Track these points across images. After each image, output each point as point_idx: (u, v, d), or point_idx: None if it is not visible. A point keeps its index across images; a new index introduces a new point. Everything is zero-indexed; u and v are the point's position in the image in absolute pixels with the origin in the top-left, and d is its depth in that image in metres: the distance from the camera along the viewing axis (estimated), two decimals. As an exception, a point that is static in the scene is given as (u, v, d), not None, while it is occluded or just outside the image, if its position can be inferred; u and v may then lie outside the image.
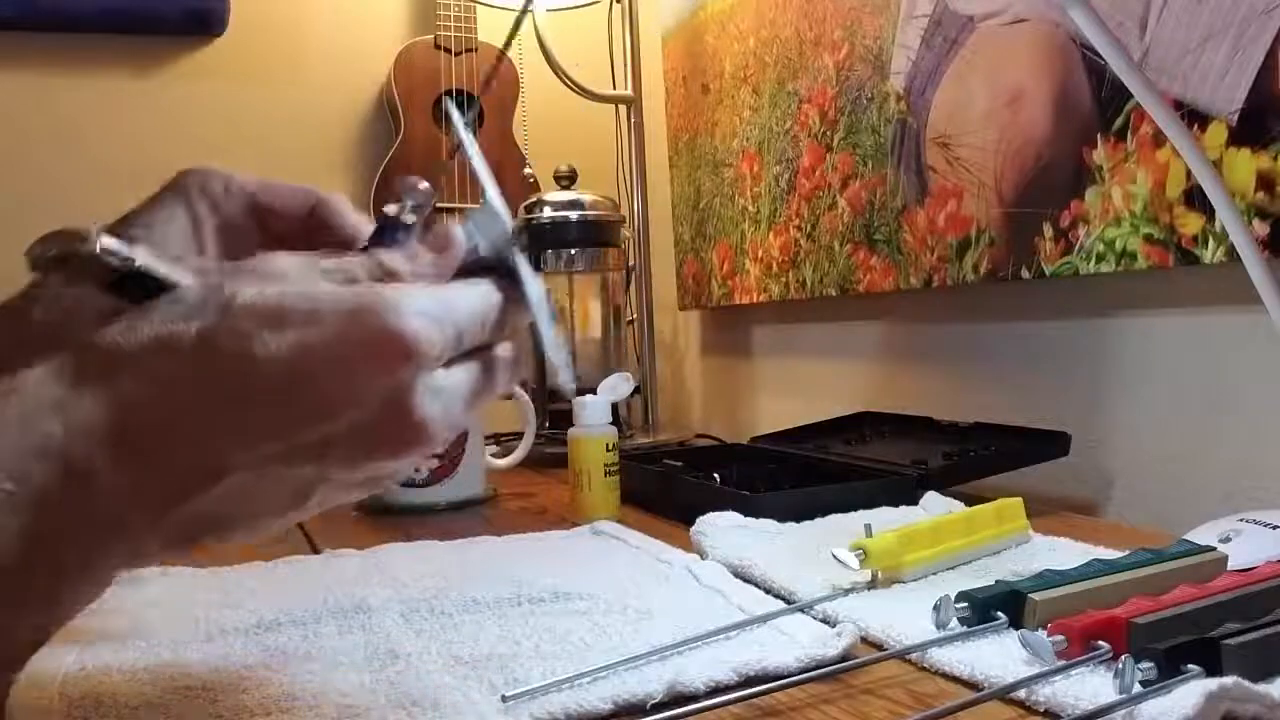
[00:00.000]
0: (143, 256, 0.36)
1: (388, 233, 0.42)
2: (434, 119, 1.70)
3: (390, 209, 0.42)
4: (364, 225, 0.47)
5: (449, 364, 0.39)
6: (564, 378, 0.44)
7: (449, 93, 1.70)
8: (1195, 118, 0.77)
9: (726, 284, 1.53)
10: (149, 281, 0.36)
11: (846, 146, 1.22)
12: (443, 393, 0.38)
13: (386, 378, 0.36)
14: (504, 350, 0.42)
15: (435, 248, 0.41)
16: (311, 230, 0.47)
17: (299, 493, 0.38)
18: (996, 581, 0.54)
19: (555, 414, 1.36)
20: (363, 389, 0.35)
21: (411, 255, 0.41)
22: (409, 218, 0.42)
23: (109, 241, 0.35)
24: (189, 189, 0.46)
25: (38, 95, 1.63)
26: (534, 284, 0.42)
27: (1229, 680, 0.40)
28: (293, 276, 0.37)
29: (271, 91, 1.72)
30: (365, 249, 0.42)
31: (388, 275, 0.39)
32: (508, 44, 1.39)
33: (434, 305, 0.37)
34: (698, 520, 0.76)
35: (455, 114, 0.48)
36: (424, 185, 0.43)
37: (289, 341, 0.34)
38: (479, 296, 0.40)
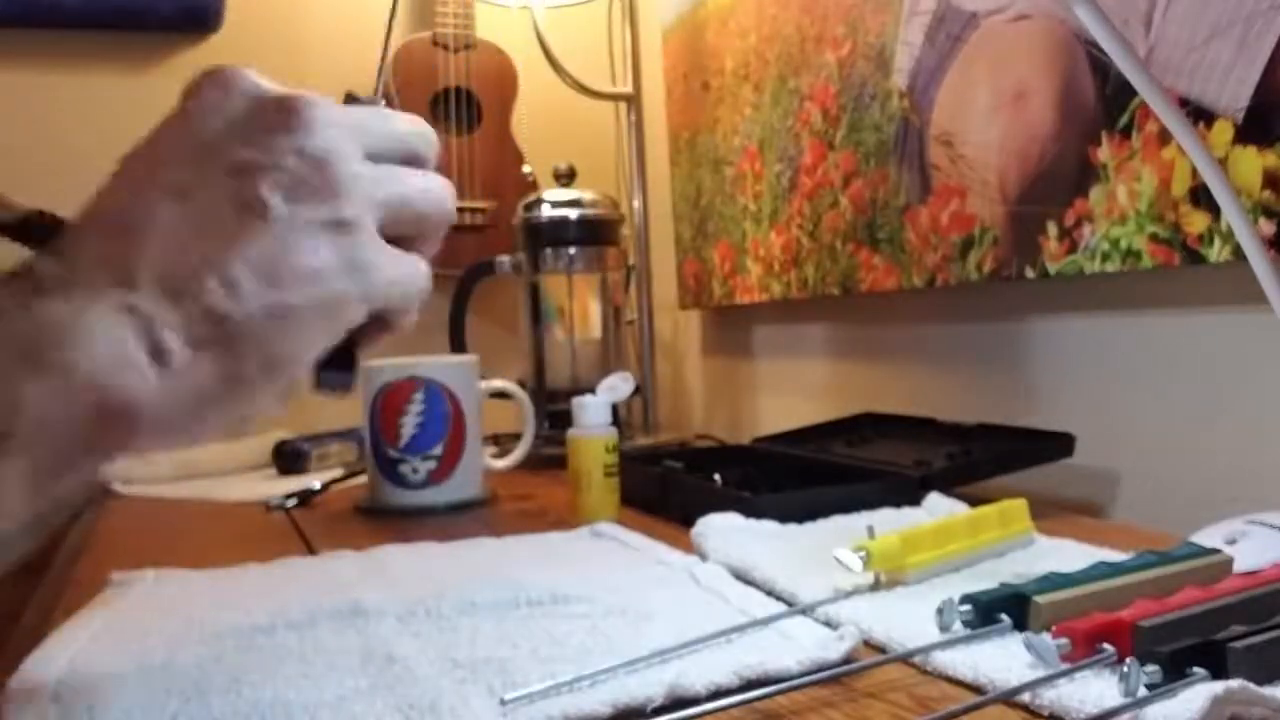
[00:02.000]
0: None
1: None
2: (432, 116, 1.69)
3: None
4: None
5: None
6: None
7: (448, 91, 1.69)
8: (1201, 115, 0.77)
9: (727, 283, 1.52)
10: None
11: (849, 144, 1.22)
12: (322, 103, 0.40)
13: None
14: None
15: None
16: None
17: (242, 202, 0.38)
18: (1000, 584, 0.54)
19: (554, 414, 1.36)
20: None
21: None
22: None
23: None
24: None
25: (30, 92, 1.62)
26: None
27: (1235, 683, 0.40)
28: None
29: (270, 89, 1.72)
30: None
31: None
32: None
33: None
34: (698, 522, 0.76)
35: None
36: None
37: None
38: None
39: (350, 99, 0.45)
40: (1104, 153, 0.86)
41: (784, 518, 0.78)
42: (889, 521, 0.75)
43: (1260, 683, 0.41)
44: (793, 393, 1.45)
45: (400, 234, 0.42)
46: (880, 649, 0.52)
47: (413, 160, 0.43)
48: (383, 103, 0.46)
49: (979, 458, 0.90)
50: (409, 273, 0.41)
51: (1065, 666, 0.45)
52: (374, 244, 0.40)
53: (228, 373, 0.37)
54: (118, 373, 0.35)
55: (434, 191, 0.43)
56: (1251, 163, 0.74)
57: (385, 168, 0.41)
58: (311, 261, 0.38)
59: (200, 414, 0.37)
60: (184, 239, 0.37)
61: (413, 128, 0.43)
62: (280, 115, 0.39)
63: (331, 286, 0.38)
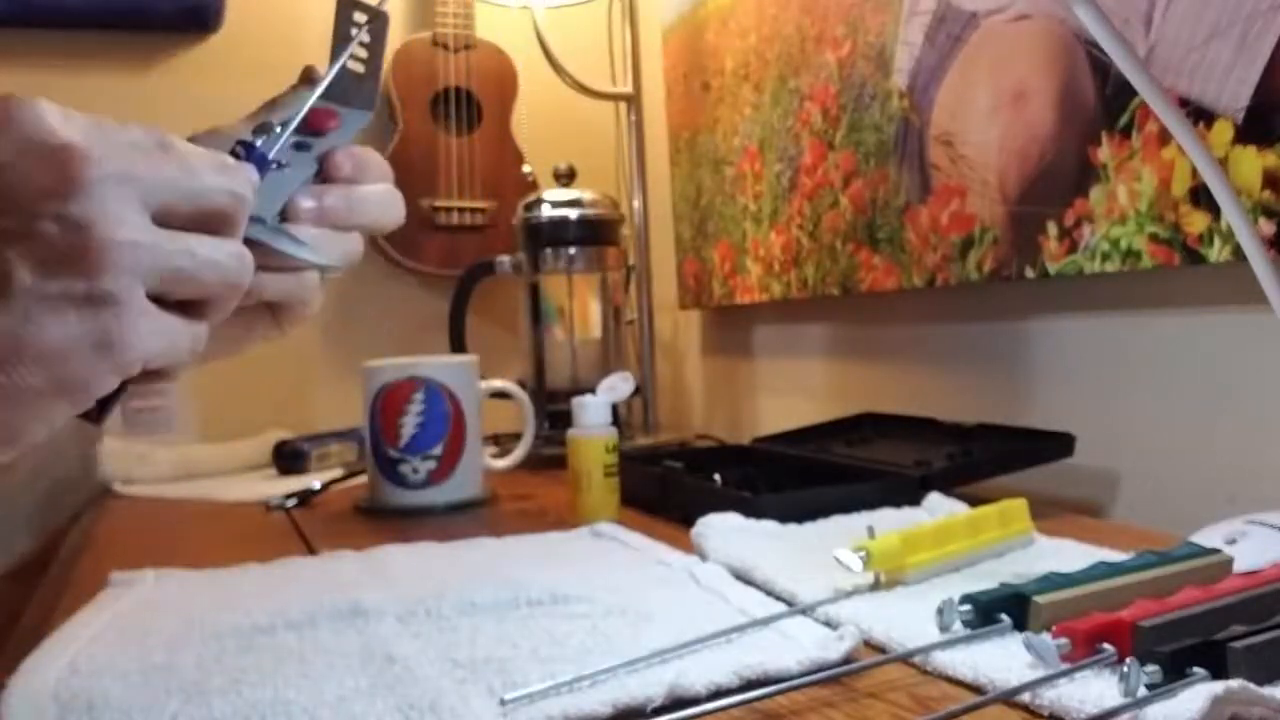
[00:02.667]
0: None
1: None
2: (432, 116, 1.69)
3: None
4: None
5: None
6: (299, 252, 0.42)
7: (448, 91, 1.69)
8: (1201, 115, 0.77)
9: (727, 283, 1.52)
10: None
11: (849, 144, 1.22)
12: (105, 131, 0.36)
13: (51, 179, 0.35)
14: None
15: None
16: None
17: None
18: (1000, 584, 0.54)
19: (554, 415, 1.36)
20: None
21: None
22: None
23: None
24: None
25: (30, 92, 1.62)
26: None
27: (1235, 683, 0.40)
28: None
29: (267, 88, 1.71)
30: None
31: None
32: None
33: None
34: (698, 522, 0.76)
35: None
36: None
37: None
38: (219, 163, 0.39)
39: (345, 1, 0.44)
40: (1104, 153, 0.86)
41: (784, 518, 0.78)
42: (889, 521, 0.75)
43: (1260, 683, 0.41)
44: (793, 393, 1.45)
45: (181, 298, 0.38)
46: (880, 649, 0.52)
47: (213, 218, 0.39)
48: (387, 8, 0.45)
49: (979, 458, 0.90)
50: (170, 344, 0.38)
51: (1065, 666, 0.45)
52: (131, 317, 0.36)
53: None
54: None
55: (220, 262, 0.38)
56: (1251, 163, 0.74)
57: (168, 233, 0.37)
58: (53, 341, 0.35)
59: None
60: None
61: (219, 181, 0.39)
62: (49, 172, 0.35)
63: (74, 367, 0.35)
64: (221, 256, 0.38)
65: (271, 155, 0.43)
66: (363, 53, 0.45)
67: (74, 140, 0.36)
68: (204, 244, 0.38)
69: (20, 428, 0.36)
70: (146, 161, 0.37)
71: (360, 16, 0.45)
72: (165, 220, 0.37)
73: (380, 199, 0.46)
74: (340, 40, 0.45)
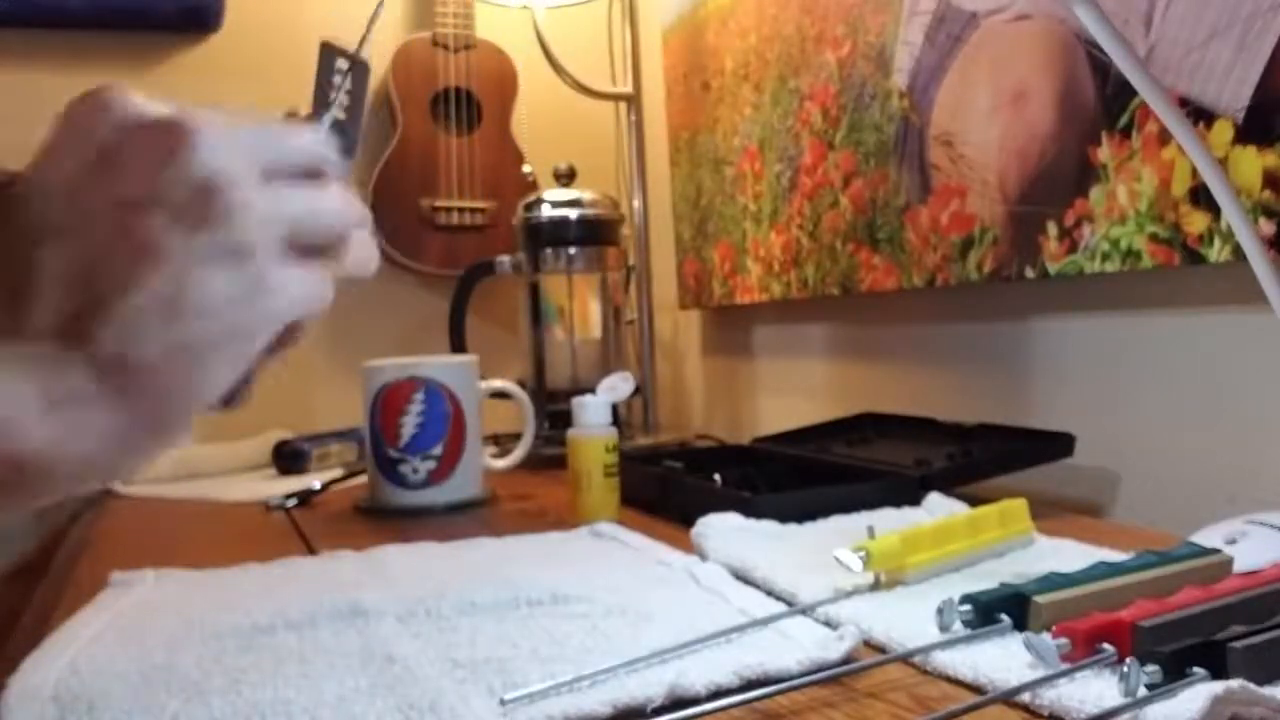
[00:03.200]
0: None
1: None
2: (432, 116, 1.69)
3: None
4: None
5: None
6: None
7: (448, 91, 1.69)
8: (1201, 115, 0.77)
9: (727, 283, 1.52)
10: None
11: (849, 144, 1.22)
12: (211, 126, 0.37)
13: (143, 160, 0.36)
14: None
15: None
16: None
17: (131, 229, 0.36)
18: (1000, 584, 0.54)
19: (554, 414, 1.36)
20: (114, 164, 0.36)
21: None
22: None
23: None
24: None
25: (30, 92, 1.62)
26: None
27: (1235, 683, 0.40)
28: None
29: (267, 88, 1.72)
30: None
31: None
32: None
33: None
34: (698, 522, 0.76)
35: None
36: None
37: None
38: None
39: (327, 49, 0.45)
40: (1104, 153, 0.86)
41: (784, 518, 0.78)
42: (889, 521, 0.75)
43: (1260, 683, 0.41)
44: (793, 393, 1.45)
45: (306, 245, 0.40)
46: (880, 649, 0.52)
47: (311, 174, 0.40)
48: (367, 57, 0.46)
49: (979, 458, 0.90)
50: (312, 290, 0.39)
51: (1065, 666, 0.45)
52: (274, 266, 0.38)
53: (131, 415, 0.35)
54: (9, 421, 0.33)
55: (332, 204, 0.40)
56: (1251, 162, 0.74)
57: (279, 187, 0.39)
58: (210, 294, 0.36)
59: (103, 458, 0.36)
60: (73, 282, 0.35)
61: (306, 140, 0.41)
62: (162, 141, 0.37)
63: (233, 317, 0.36)
64: (332, 203, 0.40)
65: None
66: (345, 99, 0.46)
67: (170, 112, 0.38)
68: (314, 193, 0.40)
69: (194, 390, 0.37)
70: (240, 129, 0.39)
71: (342, 64, 0.45)
72: (271, 177, 0.39)
73: (363, 244, 0.46)
74: (321, 88, 0.45)
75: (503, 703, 0.45)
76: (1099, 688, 0.43)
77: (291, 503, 1.06)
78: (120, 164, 0.37)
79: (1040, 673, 0.45)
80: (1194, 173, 0.78)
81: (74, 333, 0.35)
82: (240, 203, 0.37)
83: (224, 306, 0.36)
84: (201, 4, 1.65)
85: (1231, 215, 0.59)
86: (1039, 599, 0.51)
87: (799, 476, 0.94)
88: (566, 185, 1.43)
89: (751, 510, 0.78)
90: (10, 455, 0.34)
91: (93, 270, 0.35)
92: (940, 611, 0.52)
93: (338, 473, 1.19)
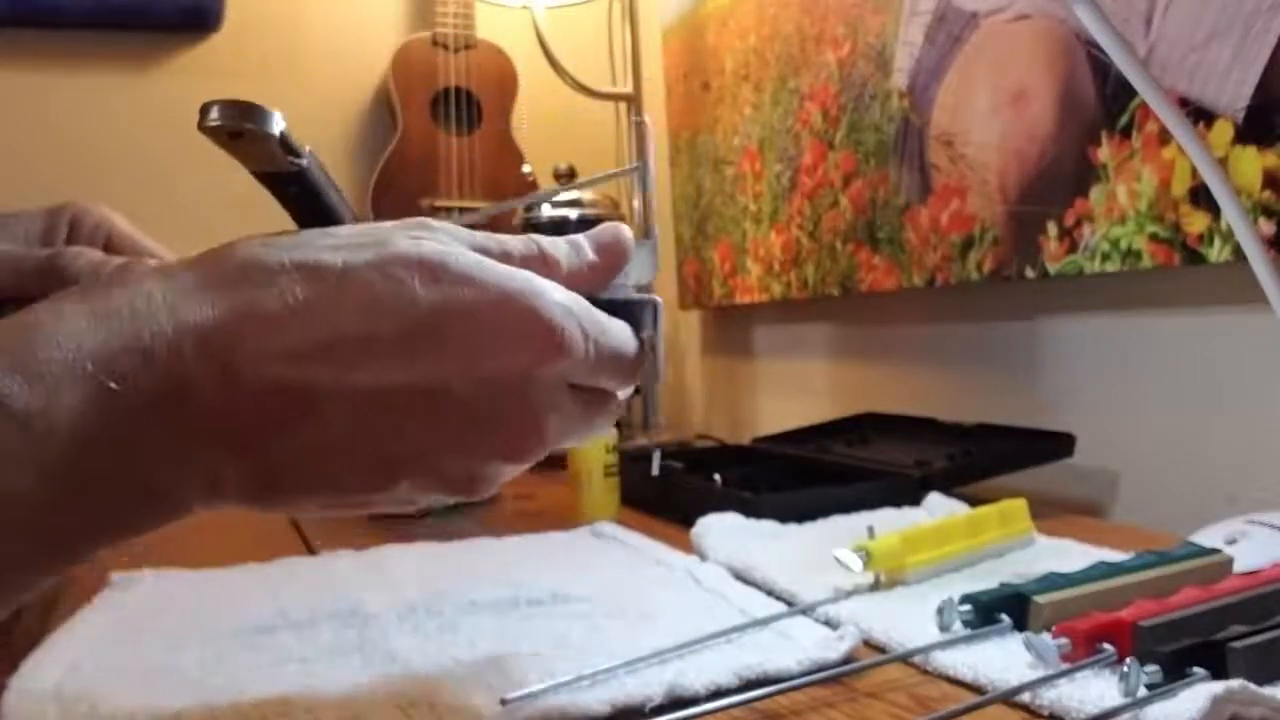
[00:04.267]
0: (309, 162, 0.36)
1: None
2: (432, 116, 1.69)
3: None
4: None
5: (574, 387, 0.37)
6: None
7: (448, 90, 1.69)
8: (1201, 115, 0.77)
9: (727, 283, 1.52)
10: (310, 195, 0.36)
11: (849, 144, 1.21)
12: (561, 405, 0.36)
13: (525, 362, 0.34)
14: (616, 397, 0.40)
15: (600, 244, 0.40)
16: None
17: (392, 470, 0.35)
18: (1000, 584, 0.54)
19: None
20: (497, 364, 0.34)
21: (576, 247, 0.39)
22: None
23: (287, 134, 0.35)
24: (63, 220, 0.47)
25: (30, 92, 1.62)
26: (658, 358, 0.41)
27: (1235, 683, 0.40)
28: (446, 235, 0.35)
29: (268, 88, 1.72)
30: None
31: (544, 262, 0.38)
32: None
33: (584, 314, 0.36)
34: (698, 522, 0.76)
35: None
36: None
37: (440, 293, 0.33)
38: (626, 335, 0.39)
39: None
40: (1104, 153, 0.86)
41: (784, 518, 0.78)
42: (889, 521, 0.75)
43: (1260, 682, 0.41)
44: (793, 393, 1.45)
45: None
46: (880, 649, 0.52)
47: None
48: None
49: (979, 458, 0.90)
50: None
51: (1065, 666, 0.45)
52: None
53: None
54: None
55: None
56: (1251, 162, 0.74)
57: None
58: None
59: None
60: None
61: (622, 337, 0.39)
62: (537, 344, 0.35)
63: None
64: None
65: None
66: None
67: (540, 310, 0.35)
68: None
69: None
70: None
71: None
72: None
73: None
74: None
75: (503, 702, 0.45)
76: (1099, 688, 0.43)
77: (291, 503, 1.06)
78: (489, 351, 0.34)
79: (1040, 673, 0.45)
80: (1194, 173, 0.78)
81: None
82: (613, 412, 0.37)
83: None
84: (202, 4, 1.65)
85: (1231, 215, 0.59)
86: (1039, 599, 0.51)
87: (799, 477, 0.94)
88: (566, 185, 1.43)
89: (751, 510, 0.78)
90: None
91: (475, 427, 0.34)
92: (940, 611, 0.52)
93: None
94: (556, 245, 0.38)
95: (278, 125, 0.35)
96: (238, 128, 0.34)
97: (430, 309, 0.33)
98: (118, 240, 0.50)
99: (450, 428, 0.34)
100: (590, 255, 0.39)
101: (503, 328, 0.34)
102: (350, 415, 0.33)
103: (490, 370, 0.34)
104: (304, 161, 0.35)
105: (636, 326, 0.40)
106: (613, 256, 0.40)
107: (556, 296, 0.35)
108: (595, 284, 0.39)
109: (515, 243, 0.37)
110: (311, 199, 0.36)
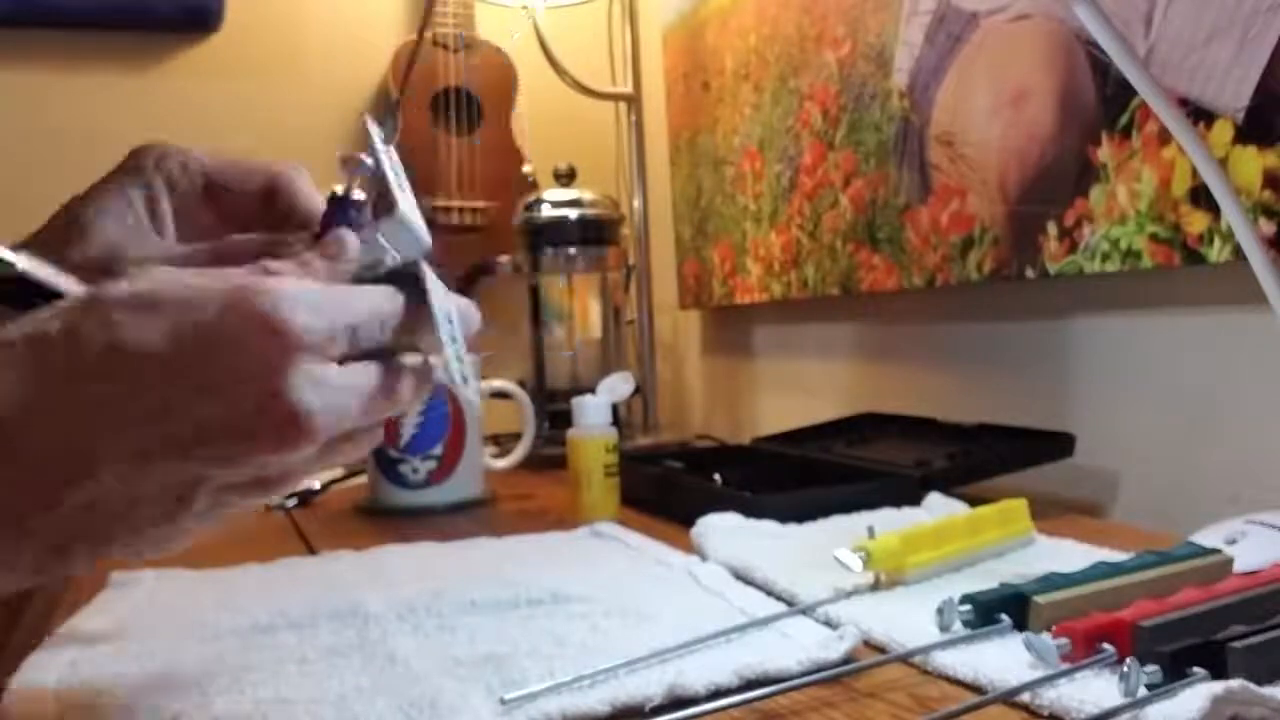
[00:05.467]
0: (24, 263, 0.37)
1: (339, 213, 0.42)
2: (432, 116, 1.69)
3: (338, 188, 0.43)
4: (319, 202, 0.47)
5: (343, 361, 0.38)
6: (464, 394, 0.42)
7: (448, 90, 1.69)
8: (1201, 115, 0.77)
9: (727, 283, 1.52)
10: (41, 290, 0.37)
11: (849, 144, 1.22)
12: (326, 386, 0.37)
13: (257, 362, 0.35)
14: (410, 359, 0.42)
15: (327, 253, 0.41)
16: (268, 209, 0.46)
17: (179, 496, 0.36)
18: (1000, 584, 0.54)
19: (554, 415, 1.36)
20: (232, 373, 0.35)
21: (303, 262, 0.40)
22: (357, 194, 0.42)
23: None
24: (144, 168, 0.45)
25: (30, 92, 1.62)
26: (440, 297, 0.42)
27: (1235, 683, 0.40)
28: (168, 278, 0.36)
29: (268, 88, 1.72)
30: (315, 234, 0.42)
31: (265, 272, 0.39)
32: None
33: (318, 297, 0.37)
34: (698, 522, 0.76)
35: (373, 128, 0.46)
36: (367, 159, 0.43)
37: (158, 327, 0.34)
38: (377, 295, 0.40)
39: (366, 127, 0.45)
40: (1104, 152, 0.86)
41: (784, 518, 0.78)
42: (889, 521, 0.75)
43: (1260, 683, 0.41)
44: (793, 393, 1.45)
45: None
46: (880, 649, 0.52)
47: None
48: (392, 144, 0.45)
49: (979, 458, 0.90)
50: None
51: (1065, 666, 0.45)
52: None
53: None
54: None
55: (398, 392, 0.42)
56: (1251, 162, 0.74)
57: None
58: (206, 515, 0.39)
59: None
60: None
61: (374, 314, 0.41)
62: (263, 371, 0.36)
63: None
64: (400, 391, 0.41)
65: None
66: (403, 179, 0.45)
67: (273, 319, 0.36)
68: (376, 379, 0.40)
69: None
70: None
71: (376, 138, 0.45)
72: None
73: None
74: (380, 169, 0.44)
75: (502, 702, 0.45)
76: (1099, 688, 0.43)
77: (292, 503, 1.06)
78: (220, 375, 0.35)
79: (1040, 673, 0.45)
80: (1194, 173, 0.78)
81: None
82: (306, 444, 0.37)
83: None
84: (202, 4, 1.65)
85: (1231, 215, 0.59)
86: (1039, 599, 0.51)
87: (799, 476, 0.94)
88: (566, 185, 1.43)
89: (751, 510, 0.78)
90: None
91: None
92: (940, 611, 0.52)
93: (338, 473, 1.19)
94: (281, 265, 0.39)
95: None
96: None
97: (157, 341, 0.34)
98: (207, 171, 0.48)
99: (214, 447, 0.35)
100: (317, 261, 0.40)
101: (224, 335, 0.35)
102: (124, 464, 0.34)
103: (229, 376, 0.35)
104: (17, 266, 0.37)
105: (417, 286, 0.42)
106: (337, 255, 0.41)
107: (269, 284, 0.36)
108: (330, 277, 0.40)
109: (236, 273, 0.38)
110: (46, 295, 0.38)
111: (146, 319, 0.34)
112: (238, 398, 0.35)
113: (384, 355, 0.41)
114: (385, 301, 0.40)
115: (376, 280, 0.41)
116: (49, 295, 0.37)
